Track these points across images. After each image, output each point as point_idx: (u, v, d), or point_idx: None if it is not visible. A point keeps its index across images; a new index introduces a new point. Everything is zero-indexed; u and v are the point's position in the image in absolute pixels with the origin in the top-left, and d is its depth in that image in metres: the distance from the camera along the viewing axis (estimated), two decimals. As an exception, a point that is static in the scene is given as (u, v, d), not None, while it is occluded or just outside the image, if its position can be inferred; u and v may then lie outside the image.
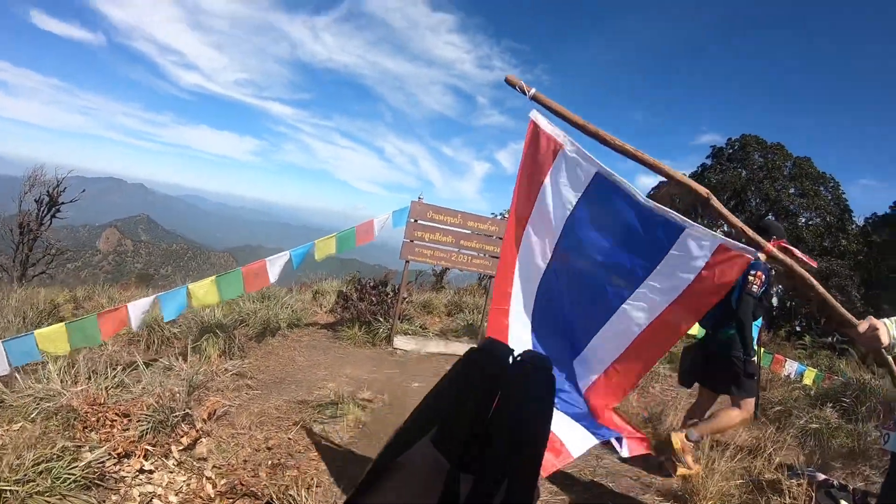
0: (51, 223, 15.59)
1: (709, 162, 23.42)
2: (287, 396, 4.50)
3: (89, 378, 3.89)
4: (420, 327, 7.66)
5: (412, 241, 6.54)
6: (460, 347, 6.81)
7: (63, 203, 16.15)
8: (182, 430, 3.22)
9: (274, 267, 5.16)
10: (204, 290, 4.68)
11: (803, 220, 20.57)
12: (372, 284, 7.74)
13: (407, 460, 0.54)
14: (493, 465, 0.51)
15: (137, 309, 4.24)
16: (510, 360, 0.58)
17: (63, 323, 3.94)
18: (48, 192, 15.10)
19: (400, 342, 6.67)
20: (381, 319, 7.01)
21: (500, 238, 6.66)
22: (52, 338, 3.90)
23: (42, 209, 15.16)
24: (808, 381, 6.99)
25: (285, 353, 6.06)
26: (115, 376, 3.86)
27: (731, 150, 22.86)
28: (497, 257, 6.70)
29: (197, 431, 3.24)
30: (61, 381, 3.80)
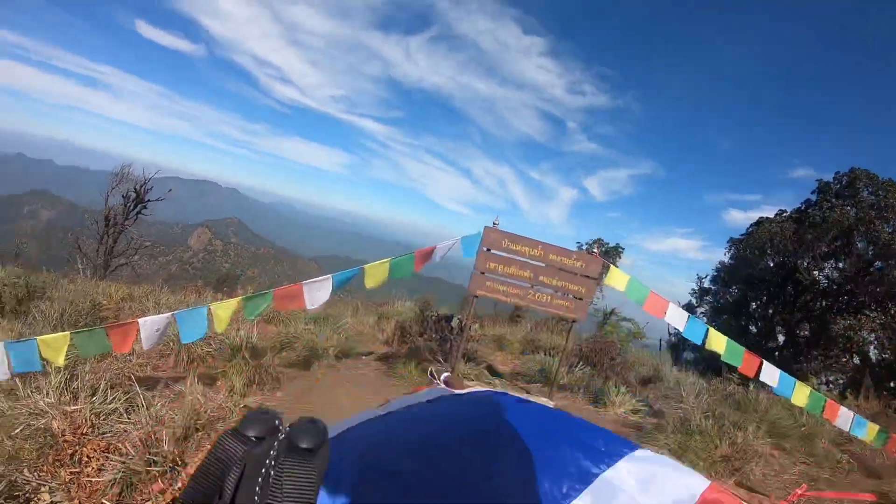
0: (136, 218, 16.36)
1: (813, 197, 20.98)
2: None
3: (91, 396, 3.43)
4: (487, 368, 6.87)
5: (483, 272, 5.53)
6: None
7: (150, 200, 16.98)
8: (159, 487, 2.61)
9: (312, 291, 4.55)
10: (230, 311, 4.14)
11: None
12: (435, 318, 7.04)
13: None
14: None
15: (150, 326, 3.75)
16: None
17: (68, 332, 3.52)
18: (134, 188, 15.87)
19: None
20: (441, 361, 6.13)
21: (587, 276, 5.60)
22: (56, 346, 3.49)
23: (129, 204, 15.94)
24: (868, 437, 5.48)
25: (327, 389, 5.29)
26: (112, 400, 3.36)
27: (838, 186, 20.36)
28: (582, 298, 5.64)
29: (174, 492, 2.60)
30: (59, 397, 3.35)
